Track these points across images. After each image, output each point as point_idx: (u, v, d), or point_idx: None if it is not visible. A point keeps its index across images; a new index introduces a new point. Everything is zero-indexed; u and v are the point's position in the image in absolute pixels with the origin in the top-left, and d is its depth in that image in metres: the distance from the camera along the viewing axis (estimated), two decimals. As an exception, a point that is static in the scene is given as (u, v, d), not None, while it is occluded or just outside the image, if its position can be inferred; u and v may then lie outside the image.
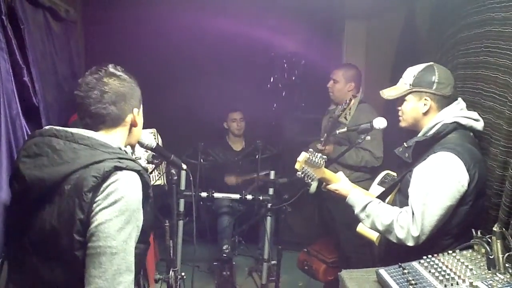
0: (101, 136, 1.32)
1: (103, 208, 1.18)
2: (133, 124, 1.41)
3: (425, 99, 1.79)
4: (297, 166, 1.88)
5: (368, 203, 1.79)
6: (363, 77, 3.22)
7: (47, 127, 1.33)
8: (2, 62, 1.73)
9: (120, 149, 1.33)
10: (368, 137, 2.78)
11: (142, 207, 1.27)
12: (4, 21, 1.78)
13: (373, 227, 1.78)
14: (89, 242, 1.18)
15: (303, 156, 1.86)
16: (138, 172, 1.27)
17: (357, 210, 1.83)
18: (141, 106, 1.47)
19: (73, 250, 1.19)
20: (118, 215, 1.19)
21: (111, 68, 1.36)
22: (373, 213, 1.76)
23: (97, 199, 1.19)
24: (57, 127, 1.31)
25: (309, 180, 1.90)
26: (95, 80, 1.31)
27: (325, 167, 1.91)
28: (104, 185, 1.20)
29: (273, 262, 3.18)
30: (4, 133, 1.70)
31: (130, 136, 1.43)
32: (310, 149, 1.88)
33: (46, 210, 1.23)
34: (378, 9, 3.52)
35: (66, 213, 1.19)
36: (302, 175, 1.88)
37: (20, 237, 1.30)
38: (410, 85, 1.83)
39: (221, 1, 3.59)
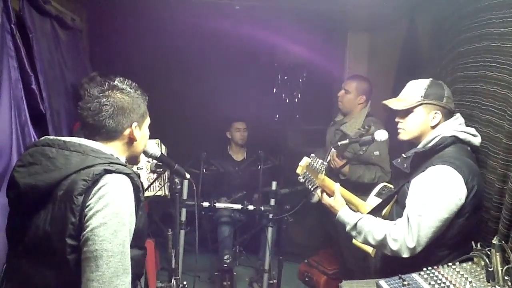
0: (95, 144, 1.33)
1: (96, 212, 1.19)
2: (132, 138, 1.41)
3: (436, 113, 1.80)
4: (298, 170, 1.89)
5: (359, 220, 1.80)
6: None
7: (42, 138, 1.35)
8: (12, 70, 1.77)
9: (113, 155, 1.34)
10: (377, 152, 2.77)
11: (134, 210, 1.28)
12: (14, 29, 1.82)
13: (366, 243, 1.78)
14: (85, 247, 1.18)
15: (305, 160, 1.88)
16: (128, 175, 1.28)
17: (348, 228, 1.83)
18: (146, 120, 1.47)
19: (65, 254, 1.19)
20: (111, 218, 1.19)
21: (116, 81, 1.38)
22: (364, 229, 1.76)
23: (88, 202, 1.20)
24: (51, 137, 1.33)
25: (310, 186, 1.91)
26: (97, 92, 1.34)
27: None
28: (95, 188, 1.21)
29: (273, 273, 3.18)
30: (15, 140, 1.72)
31: (131, 149, 1.44)
32: (312, 154, 1.89)
33: (40, 216, 1.24)
34: (380, 22, 3.56)
35: (59, 218, 1.20)
36: (304, 180, 1.90)
37: (16, 244, 1.32)
38: (421, 97, 1.82)
39: (225, 12, 3.65)
